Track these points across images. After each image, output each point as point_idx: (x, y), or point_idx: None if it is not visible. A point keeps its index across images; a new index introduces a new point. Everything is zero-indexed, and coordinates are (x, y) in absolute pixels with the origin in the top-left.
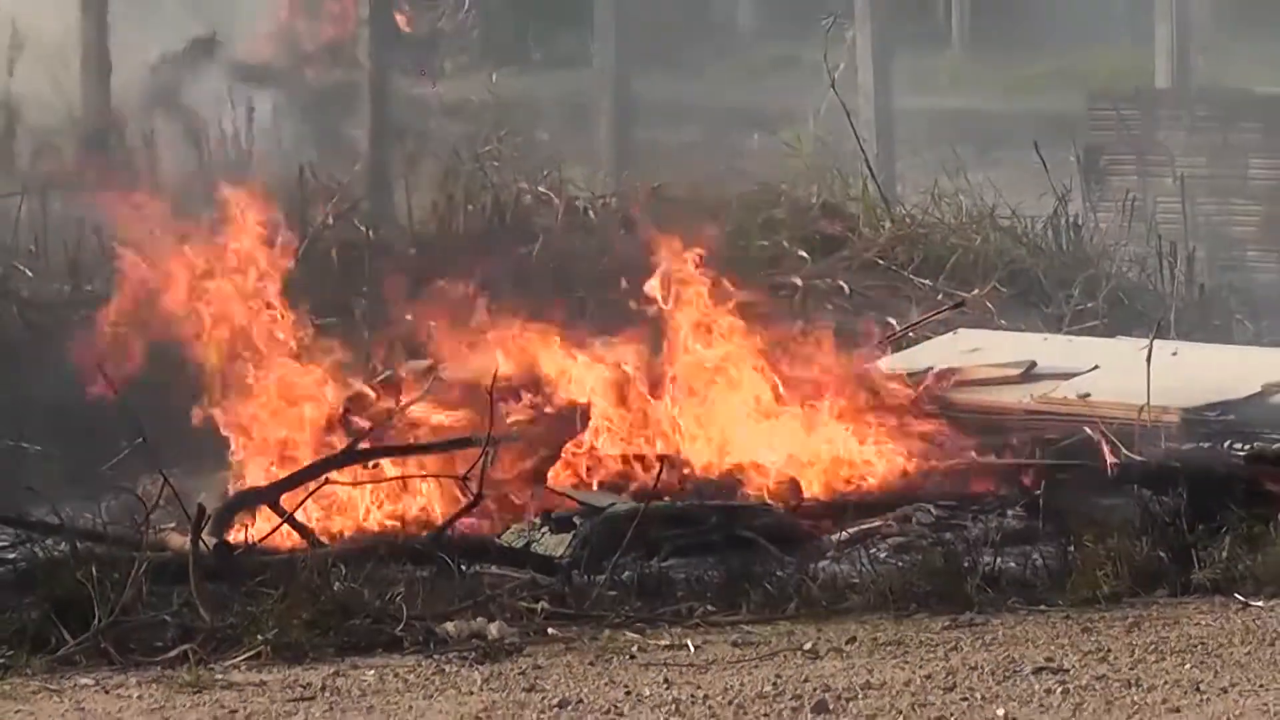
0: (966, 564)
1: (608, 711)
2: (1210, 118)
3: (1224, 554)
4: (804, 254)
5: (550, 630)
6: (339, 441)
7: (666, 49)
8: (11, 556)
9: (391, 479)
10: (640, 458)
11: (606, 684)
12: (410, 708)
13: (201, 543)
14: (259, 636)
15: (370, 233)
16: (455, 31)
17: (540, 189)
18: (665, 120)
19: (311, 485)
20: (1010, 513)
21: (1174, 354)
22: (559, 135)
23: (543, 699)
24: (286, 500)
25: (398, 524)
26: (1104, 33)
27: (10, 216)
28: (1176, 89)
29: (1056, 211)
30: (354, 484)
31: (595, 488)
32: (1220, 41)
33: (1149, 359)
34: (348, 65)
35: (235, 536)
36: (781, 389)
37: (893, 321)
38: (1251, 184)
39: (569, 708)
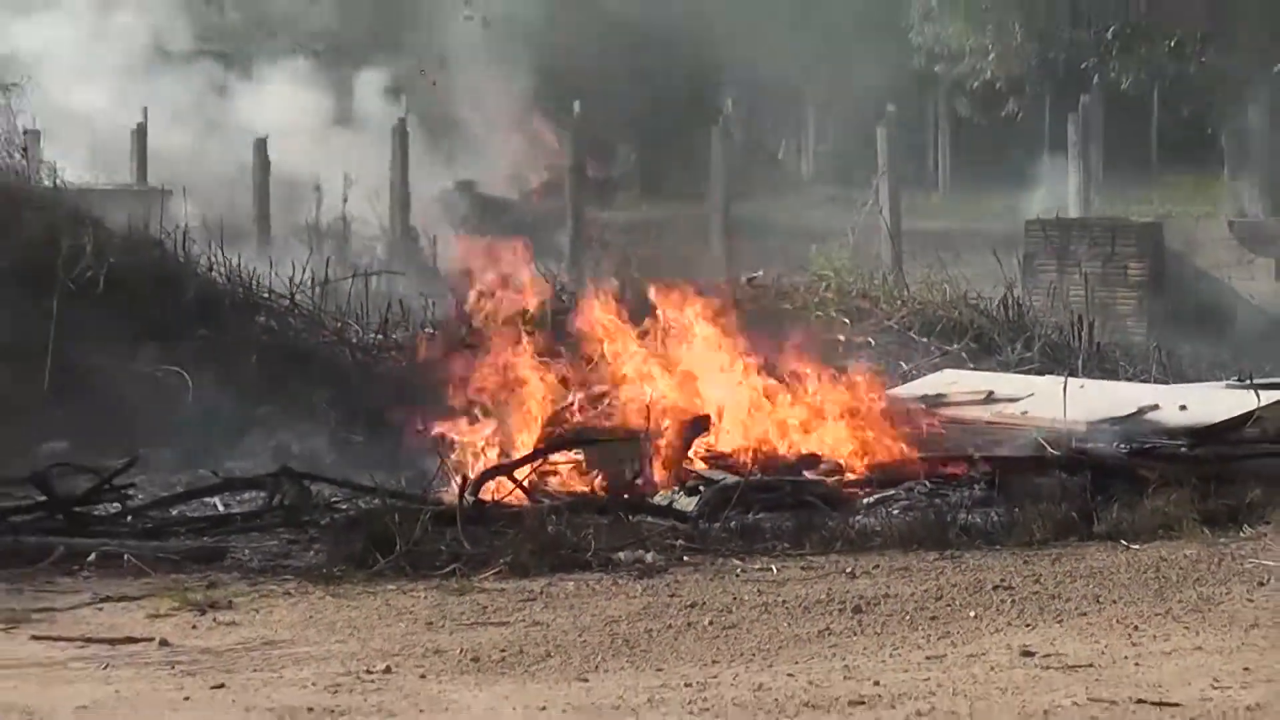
0: (949, 519)
1: (721, 610)
2: (1102, 236)
3: (1113, 515)
4: (845, 320)
5: (684, 558)
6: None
7: (755, 186)
8: (344, 507)
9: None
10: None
11: (720, 592)
12: (596, 606)
13: (465, 499)
14: (500, 560)
15: (571, 304)
16: (623, 176)
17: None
18: (754, 234)
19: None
20: (976, 487)
21: (1081, 387)
22: (686, 242)
23: (679, 601)
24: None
25: (589, 488)
26: (1035, 180)
27: (346, 292)
28: (1082, 217)
29: (1006, 295)
30: (560, 463)
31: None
32: (1109, 186)
33: (1065, 389)
34: (557, 196)
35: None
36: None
37: (904, 364)
38: (1129, 279)
39: (697, 607)
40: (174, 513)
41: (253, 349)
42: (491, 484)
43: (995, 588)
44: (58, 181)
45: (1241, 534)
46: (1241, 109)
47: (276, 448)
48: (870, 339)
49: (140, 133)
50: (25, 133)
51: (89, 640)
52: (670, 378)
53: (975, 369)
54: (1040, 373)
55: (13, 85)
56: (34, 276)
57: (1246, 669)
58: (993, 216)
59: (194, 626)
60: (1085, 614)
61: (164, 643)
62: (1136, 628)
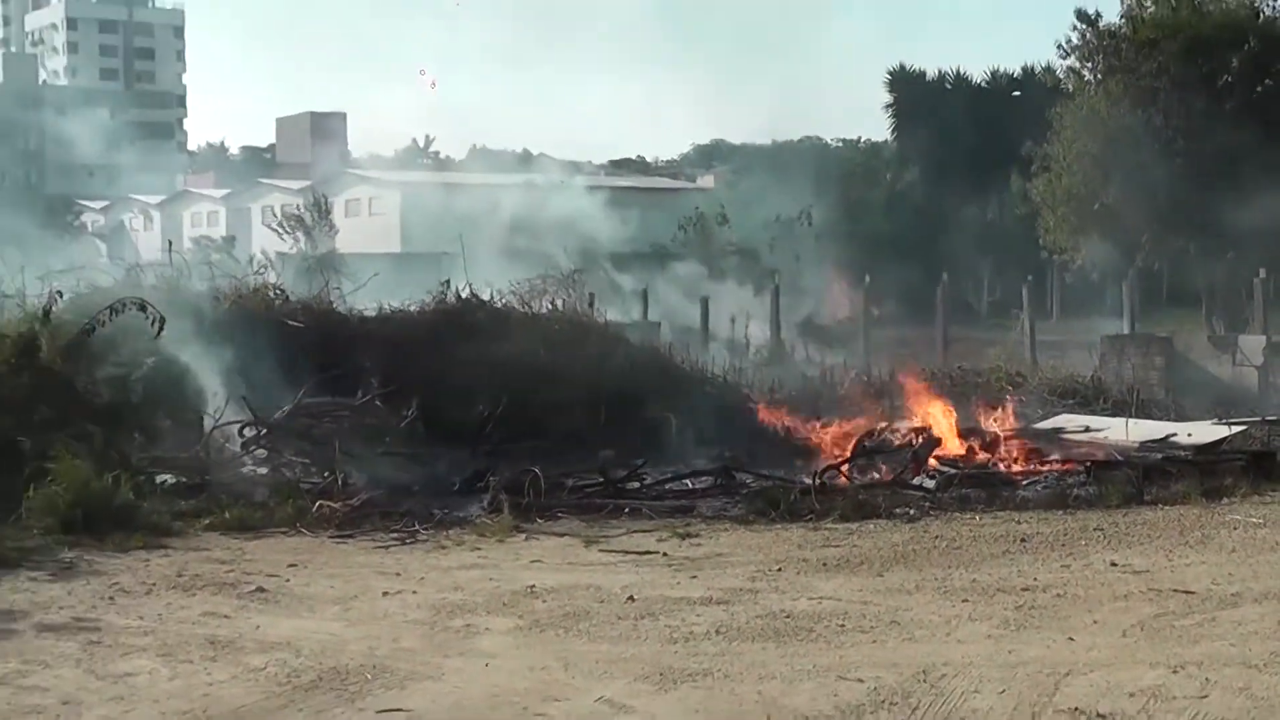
0: (1068, 492)
1: (950, 540)
2: (1141, 343)
3: (1154, 492)
4: (1009, 388)
5: (930, 513)
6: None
7: (957, 318)
8: (754, 485)
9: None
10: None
11: (949, 531)
12: (885, 537)
13: (816, 480)
14: (835, 513)
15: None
16: (888, 312)
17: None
18: (958, 343)
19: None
20: (1082, 475)
21: (1135, 423)
22: (923, 349)
23: (929, 535)
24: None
25: (879, 476)
26: (1105, 313)
27: (750, 375)
28: (1130, 333)
29: (1092, 375)
30: (866, 464)
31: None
32: (1145, 317)
33: (1126, 425)
34: (852, 324)
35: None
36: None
37: (1040, 411)
38: (1156, 366)
39: (938, 539)
40: (667, 487)
41: (704, 403)
42: (829, 473)
43: (1094, 529)
44: (606, 319)
45: (1223, 502)
46: (1211, 279)
47: (717, 455)
48: (1022, 398)
49: (644, 294)
50: (590, 293)
51: (626, 552)
52: (921, 419)
53: (1079, 414)
54: (1112, 416)
55: (572, 269)
56: (593, 369)
57: (1230, 573)
58: (1083, 333)
59: (679, 546)
60: (1143, 544)
61: (665, 554)
62: (1170, 551)
